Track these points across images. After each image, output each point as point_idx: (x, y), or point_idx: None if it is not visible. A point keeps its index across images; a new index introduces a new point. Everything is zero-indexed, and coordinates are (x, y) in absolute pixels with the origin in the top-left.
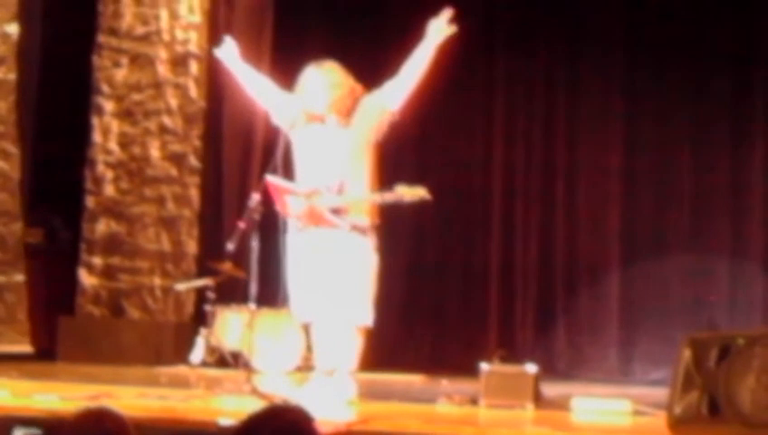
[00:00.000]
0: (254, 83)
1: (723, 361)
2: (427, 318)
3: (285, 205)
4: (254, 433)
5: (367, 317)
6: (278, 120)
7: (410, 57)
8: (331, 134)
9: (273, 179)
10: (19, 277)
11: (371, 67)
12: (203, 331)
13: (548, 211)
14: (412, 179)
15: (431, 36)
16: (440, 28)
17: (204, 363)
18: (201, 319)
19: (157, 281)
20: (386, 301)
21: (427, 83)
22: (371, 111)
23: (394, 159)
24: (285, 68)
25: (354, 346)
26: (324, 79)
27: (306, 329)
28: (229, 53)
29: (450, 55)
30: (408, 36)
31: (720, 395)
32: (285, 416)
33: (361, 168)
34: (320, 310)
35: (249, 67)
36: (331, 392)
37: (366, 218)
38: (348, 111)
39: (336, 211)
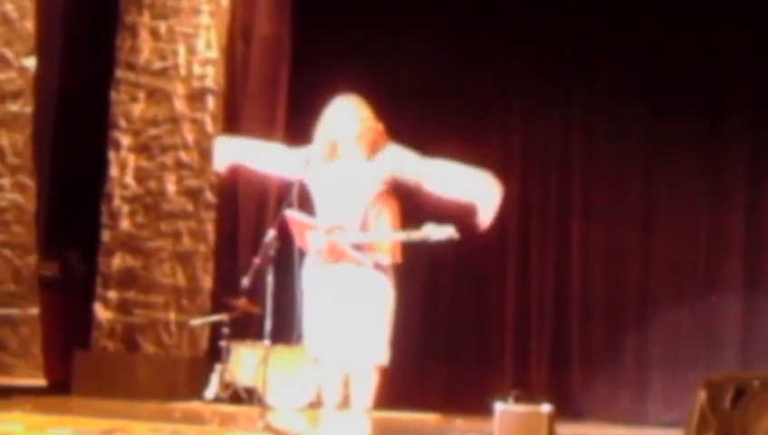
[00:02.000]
0: (264, 161)
1: (738, 403)
2: (441, 357)
3: (306, 240)
4: None
5: (383, 356)
6: (295, 174)
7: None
8: (354, 168)
9: (292, 214)
10: (34, 310)
11: (389, 101)
12: (217, 366)
13: (563, 251)
14: (427, 219)
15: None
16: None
17: (218, 399)
18: (216, 354)
19: (172, 316)
20: (401, 339)
21: (446, 124)
22: (393, 165)
23: (409, 198)
24: (303, 103)
25: (369, 384)
26: (355, 111)
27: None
28: (228, 153)
29: (468, 93)
30: (420, 67)
31: None
32: None
33: (384, 204)
34: (336, 347)
35: (253, 149)
36: (346, 431)
37: (388, 256)
38: (371, 146)
39: (358, 247)
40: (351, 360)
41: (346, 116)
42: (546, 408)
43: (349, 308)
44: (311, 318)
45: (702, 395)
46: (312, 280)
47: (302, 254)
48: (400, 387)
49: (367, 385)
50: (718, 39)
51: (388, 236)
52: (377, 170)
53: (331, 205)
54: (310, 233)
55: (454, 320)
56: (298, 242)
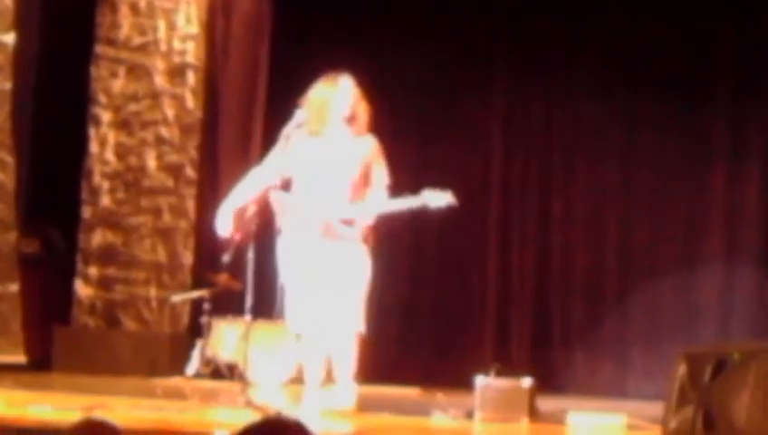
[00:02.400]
0: (252, 191)
1: (718, 376)
2: (423, 333)
3: (290, 219)
4: None
5: (360, 324)
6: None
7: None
8: (342, 145)
9: (276, 194)
10: (13, 287)
11: (371, 78)
12: (198, 342)
13: (544, 227)
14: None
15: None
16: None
17: (199, 375)
18: (197, 330)
19: (152, 292)
20: (383, 314)
21: (427, 104)
22: (369, 155)
23: (392, 179)
24: (283, 77)
25: (351, 354)
26: (351, 89)
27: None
28: (225, 215)
29: (450, 74)
30: (403, 42)
31: (715, 411)
32: (281, 429)
33: (369, 180)
34: (317, 321)
35: (238, 193)
36: (330, 401)
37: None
38: (362, 126)
39: (346, 222)
40: (332, 331)
41: (344, 94)
42: (527, 382)
43: (329, 282)
44: (291, 295)
45: (682, 368)
46: (291, 257)
47: (279, 232)
48: (382, 361)
49: (349, 355)
50: (698, 14)
51: (385, 205)
52: (360, 151)
53: (317, 180)
54: (297, 209)
55: (435, 295)
56: (281, 222)
